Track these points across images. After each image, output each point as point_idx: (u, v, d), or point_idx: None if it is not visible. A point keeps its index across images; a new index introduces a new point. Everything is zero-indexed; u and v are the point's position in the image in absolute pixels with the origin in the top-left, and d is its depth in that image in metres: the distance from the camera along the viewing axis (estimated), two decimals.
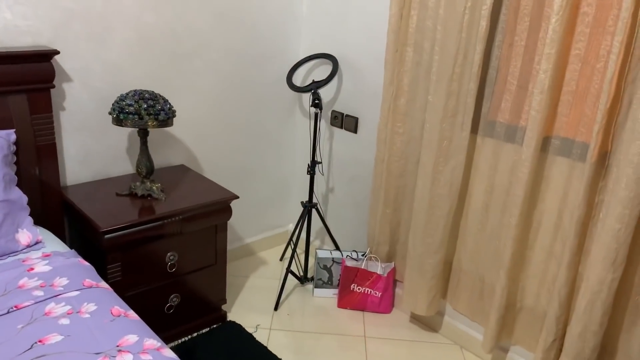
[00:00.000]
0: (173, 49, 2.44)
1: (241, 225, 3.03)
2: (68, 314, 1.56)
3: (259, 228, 3.16)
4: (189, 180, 2.45)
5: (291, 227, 3.27)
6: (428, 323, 2.60)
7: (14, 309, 1.56)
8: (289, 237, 3.18)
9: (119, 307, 1.63)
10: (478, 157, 2.22)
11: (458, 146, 2.18)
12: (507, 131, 2.11)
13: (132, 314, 1.63)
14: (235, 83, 2.73)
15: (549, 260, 2.04)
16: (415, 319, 2.64)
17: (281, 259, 3.11)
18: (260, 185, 3.07)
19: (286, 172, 3.18)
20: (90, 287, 1.71)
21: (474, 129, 2.19)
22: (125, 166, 2.45)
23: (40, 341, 1.44)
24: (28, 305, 1.58)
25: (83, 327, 1.51)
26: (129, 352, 1.43)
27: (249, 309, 2.63)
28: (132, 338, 1.49)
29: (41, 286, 1.67)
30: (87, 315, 1.56)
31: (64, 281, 1.71)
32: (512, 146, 2.10)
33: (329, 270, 2.75)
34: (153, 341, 1.49)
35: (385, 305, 2.67)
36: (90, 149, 2.31)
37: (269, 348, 2.33)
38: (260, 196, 3.09)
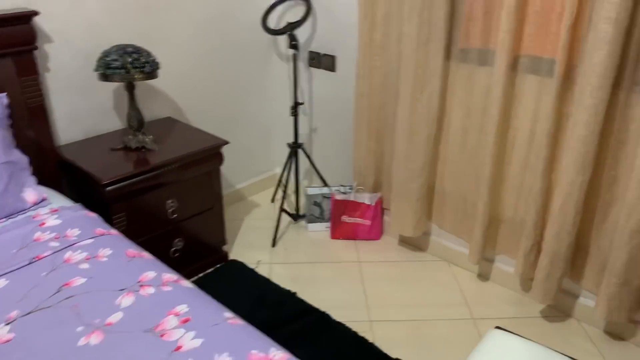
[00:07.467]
0: (148, 1, 2.46)
1: (230, 172, 3.13)
2: (86, 259, 1.67)
3: (248, 174, 3.27)
4: (178, 130, 2.53)
5: (278, 170, 3.39)
6: (416, 244, 2.78)
7: (35, 259, 1.66)
8: (276, 180, 3.30)
9: (133, 249, 1.75)
10: (454, 83, 2.33)
11: (433, 73, 2.28)
12: (479, 55, 2.22)
13: (147, 254, 1.74)
14: (211, 32, 2.77)
15: (525, 173, 2.21)
16: (404, 241, 2.82)
17: (272, 201, 3.24)
18: (245, 132, 3.15)
19: (268, 117, 3.26)
20: (102, 234, 1.81)
21: (448, 56, 2.29)
22: (113, 122, 2.51)
23: (65, 284, 1.55)
24: (47, 255, 1.68)
25: (103, 269, 1.62)
26: (150, 285, 1.56)
27: (248, 247, 2.77)
28: (150, 274, 1.61)
29: (55, 238, 1.77)
30: (105, 259, 1.67)
31: (76, 231, 1.81)
32: (484, 69, 2.21)
33: (319, 205, 2.90)
34: (171, 275, 1.62)
35: (375, 232, 2.83)
36: (79, 108, 2.36)
37: (272, 280, 2.49)
38: (245, 143, 3.18)
